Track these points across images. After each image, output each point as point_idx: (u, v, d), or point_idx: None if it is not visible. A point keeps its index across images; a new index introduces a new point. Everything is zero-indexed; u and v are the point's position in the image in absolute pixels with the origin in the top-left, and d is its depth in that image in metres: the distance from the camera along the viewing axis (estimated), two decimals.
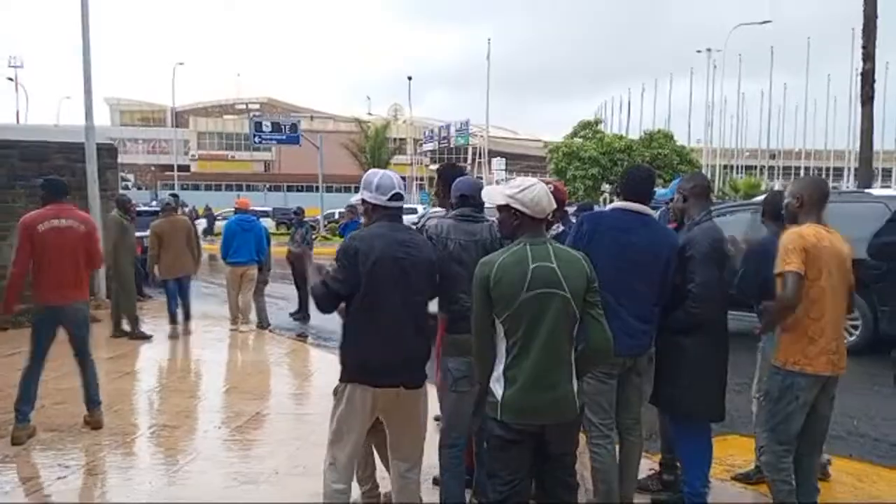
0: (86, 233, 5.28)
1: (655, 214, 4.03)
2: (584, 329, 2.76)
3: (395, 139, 52.44)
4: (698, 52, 45.58)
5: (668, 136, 41.63)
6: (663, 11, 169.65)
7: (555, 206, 2.98)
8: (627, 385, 3.59)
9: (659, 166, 37.44)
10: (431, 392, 3.47)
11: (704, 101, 43.37)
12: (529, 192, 2.78)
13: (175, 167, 54.75)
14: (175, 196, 9.84)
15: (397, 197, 3.21)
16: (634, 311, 3.47)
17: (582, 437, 3.27)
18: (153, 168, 64.29)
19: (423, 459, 3.39)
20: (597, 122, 45.76)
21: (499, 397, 2.71)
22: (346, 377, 3.20)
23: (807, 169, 50.20)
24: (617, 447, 3.61)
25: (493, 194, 2.94)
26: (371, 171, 3.33)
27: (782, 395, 3.32)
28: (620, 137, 43.55)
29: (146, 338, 8.67)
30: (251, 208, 10.06)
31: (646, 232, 3.53)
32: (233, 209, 10.83)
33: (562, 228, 4.54)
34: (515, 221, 2.81)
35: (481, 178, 39.79)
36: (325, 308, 3.20)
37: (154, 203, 21.32)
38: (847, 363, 3.42)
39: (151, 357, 7.97)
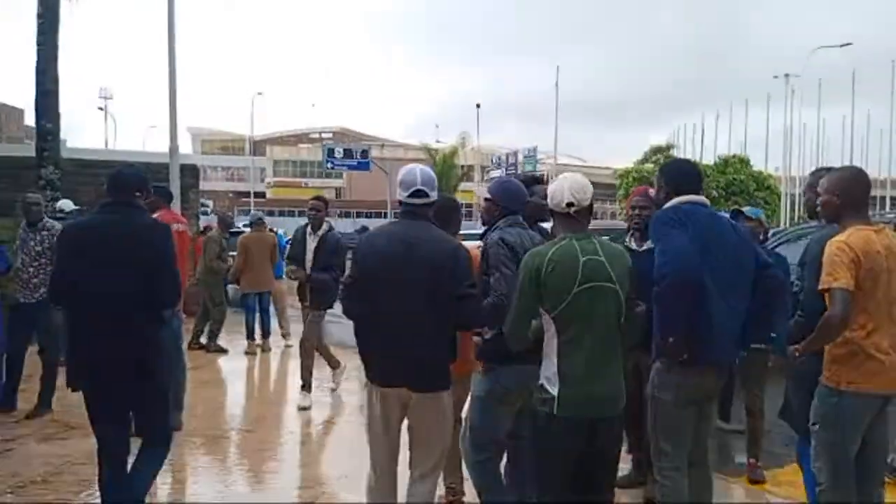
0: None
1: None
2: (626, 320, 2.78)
3: (462, 166, 52.76)
4: (775, 77, 44.15)
5: (745, 162, 40.25)
6: (738, 37, 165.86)
7: (575, 198, 2.77)
8: (702, 413, 3.17)
9: (734, 192, 36.38)
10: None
11: (782, 128, 41.86)
12: (552, 186, 2.91)
13: (252, 193, 56.67)
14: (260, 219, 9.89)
15: (417, 194, 3.02)
16: (739, 312, 3.08)
17: None
18: (231, 194, 66.71)
19: (437, 476, 3.10)
20: (669, 148, 44.94)
21: (555, 393, 2.69)
22: (367, 376, 3.14)
23: (893, 198, 47.74)
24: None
25: None
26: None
27: (838, 418, 2.97)
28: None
29: (223, 351, 8.91)
30: None
31: (720, 224, 3.14)
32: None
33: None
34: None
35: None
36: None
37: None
38: None
39: (229, 369, 8.17)
